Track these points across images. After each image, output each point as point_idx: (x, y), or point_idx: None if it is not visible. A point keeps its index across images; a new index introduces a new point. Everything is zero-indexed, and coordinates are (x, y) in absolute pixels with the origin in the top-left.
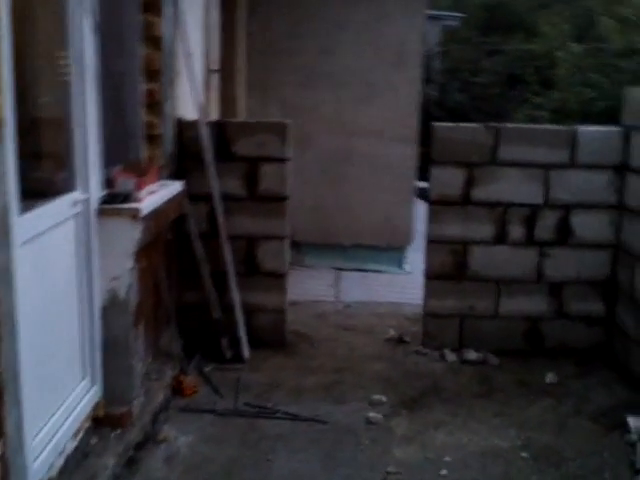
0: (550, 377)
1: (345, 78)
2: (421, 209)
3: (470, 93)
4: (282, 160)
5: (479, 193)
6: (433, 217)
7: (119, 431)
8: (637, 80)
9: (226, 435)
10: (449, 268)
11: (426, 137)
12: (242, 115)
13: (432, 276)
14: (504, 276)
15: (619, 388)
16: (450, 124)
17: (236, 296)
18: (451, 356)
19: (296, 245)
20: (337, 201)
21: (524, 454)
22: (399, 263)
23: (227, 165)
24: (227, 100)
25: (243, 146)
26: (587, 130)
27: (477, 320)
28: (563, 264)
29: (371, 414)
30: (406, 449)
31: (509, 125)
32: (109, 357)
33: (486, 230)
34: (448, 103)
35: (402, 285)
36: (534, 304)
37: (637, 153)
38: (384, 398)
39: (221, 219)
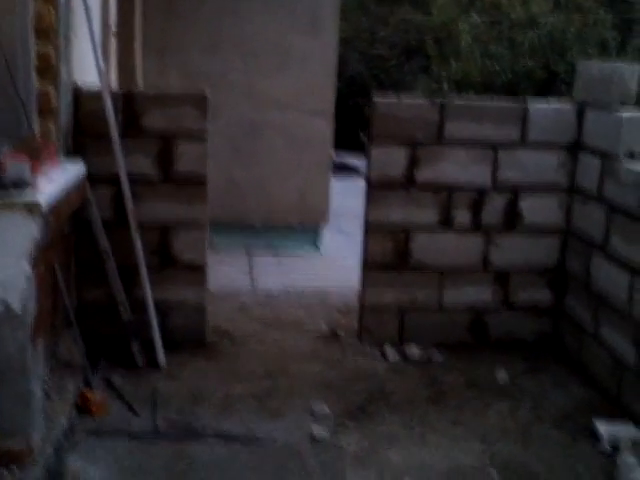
0: (501, 376)
1: (255, 44)
2: (338, 185)
3: (369, 64)
4: (201, 137)
5: (423, 174)
6: (372, 201)
7: (17, 471)
8: (534, 53)
9: (147, 464)
10: (389, 257)
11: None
12: (140, 85)
13: (370, 266)
14: (449, 265)
15: (575, 387)
16: (392, 99)
17: (148, 293)
18: (392, 353)
19: None
20: (248, 178)
21: (492, 471)
22: (314, 243)
23: (136, 142)
24: (125, 67)
25: (155, 120)
26: (539, 106)
27: (419, 313)
28: (510, 251)
29: (315, 429)
30: (361, 473)
31: (456, 101)
32: (1, 382)
33: (430, 215)
34: (347, 73)
35: (320, 268)
36: (479, 294)
37: (591, 131)
38: (327, 408)
39: (129, 205)
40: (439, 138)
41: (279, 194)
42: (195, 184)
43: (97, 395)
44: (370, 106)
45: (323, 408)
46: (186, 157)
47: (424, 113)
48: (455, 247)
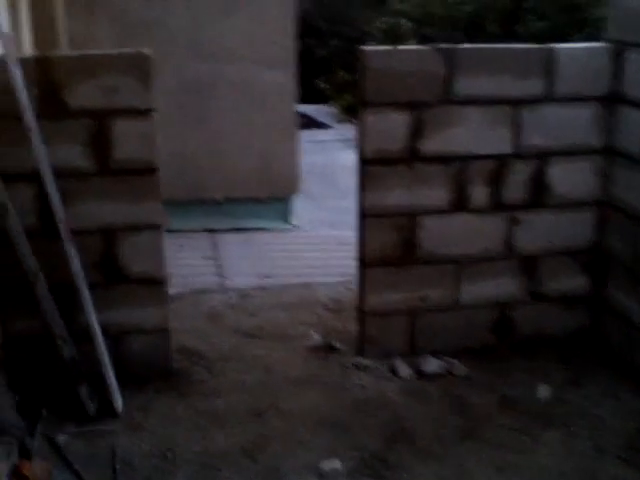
0: (542, 391)
1: None
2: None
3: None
4: (145, 111)
5: (430, 145)
6: (368, 182)
7: None
8: None
9: None
10: (393, 250)
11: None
12: (64, 45)
13: (370, 263)
14: (465, 254)
15: (629, 396)
16: (387, 48)
17: (93, 318)
18: (405, 368)
19: None
20: (201, 144)
21: None
22: (285, 216)
23: (60, 125)
24: (42, 24)
25: (83, 94)
26: (566, 49)
27: (432, 314)
28: (538, 232)
29: None
30: None
31: (466, 47)
32: None
33: (441, 194)
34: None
35: (295, 246)
36: (503, 286)
37: (632, 77)
38: (338, 463)
39: (58, 207)
40: (447, 97)
41: (240, 162)
42: (142, 174)
43: (37, 467)
44: (358, 59)
45: (334, 464)
46: (127, 140)
47: (427, 64)
48: (472, 231)
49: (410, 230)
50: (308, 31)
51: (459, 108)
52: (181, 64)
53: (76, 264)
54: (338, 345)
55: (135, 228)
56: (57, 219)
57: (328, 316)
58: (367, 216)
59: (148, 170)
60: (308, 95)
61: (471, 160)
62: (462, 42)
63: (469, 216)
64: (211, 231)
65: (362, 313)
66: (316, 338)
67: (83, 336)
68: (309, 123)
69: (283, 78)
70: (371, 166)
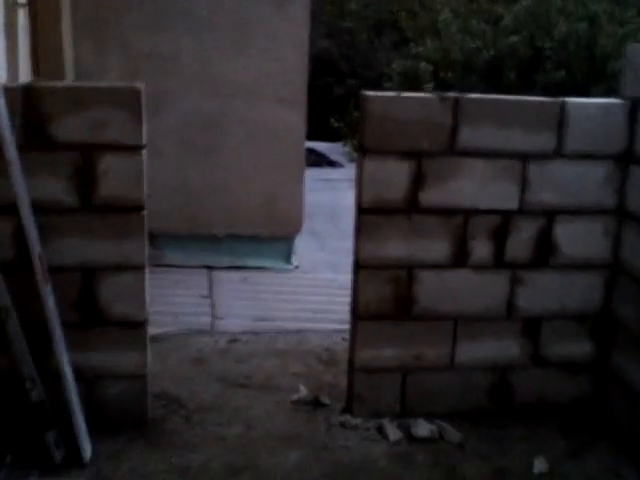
0: (539, 464)
1: (211, 18)
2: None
3: (337, 39)
4: (133, 147)
5: (431, 196)
6: (364, 231)
7: None
8: (517, 29)
9: None
10: (388, 303)
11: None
12: (71, 73)
13: (363, 315)
14: (463, 312)
15: (631, 475)
16: (391, 94)
17: (64, 360)
18: (394, 430)
19: (151, 238)
20: (205, 180)
21: None
22: (286, 256)
23: (43, 157)
24: (46, 50)
25: (69, 127)
26: (579, 103)
27: (426, 374)
28: (542, 293)
29: None
30: None
31: (474, 96)
32: None
33: (440, 248)
34: (312, 50)
35: (294, 288)
36: (503, 349)
37: None
38: None
39: (34, 242)
40: (452, 147)
41: (244, 199)
42: (127, 212)
43: None
44: (359, 103)
45: None
46: (113, 176)
47: (432, 113)
48: (472, 289)
49: (406, 284)
50: (328, 70)
51: (464, 160)
52: (189, 99)
53: (50, 302)
54: (326, 400)
55: (117, 268)
56: (32, 254)
57: (319, 368)
58: (362, 267)
59: (134, 208)
60: (322, 132)
61: (474, 214)
62: (480, 88)
63: (469, 272)
64: (209, 268)
65: (352, 368)
66: (304, 392)
67: (54, 378)
68: (320, 160)
69: (294, 116)
70: (368, 215)
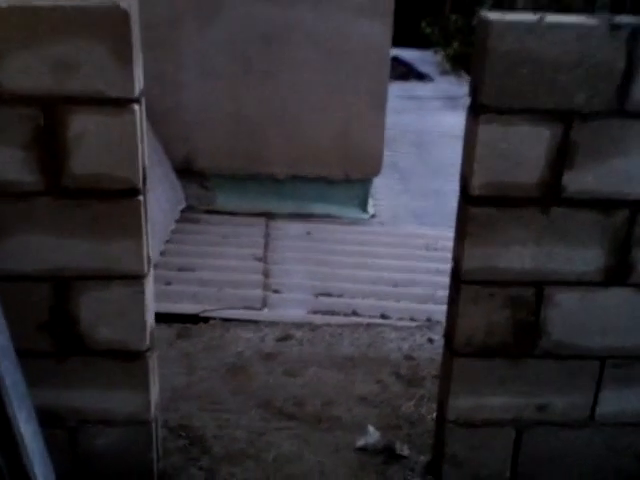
0: None
1: None
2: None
3: None
4: (122, 102)
5: (582, 179)
6: (473, 231)
7: None
8: None
9: None
10: (503, 334)
11: None
12: None
13: (464, 351)
14: (615, 348)
15: None
16: (528, 18)
17: (20, 417)
18: None
19: (200, 177)
20: (265, 107)
21: None
22: (361, 203)
23: None
24: None
25: (23, 69)
26: None
27: (552, 430)
28: None
29: None
30: None
31: None
32: None
33: (589, 257)
34: None
35: (369, 247)
36: None
37: None
38: None
39: None
40: (622, 105)
41: (312, 133)
42: (114, 198)
43: None
44: (476, 30)
45: None
46: (92, 144)
47: (594, 51)
48: (632, 316)
49: (532, 308)
50: None
51: (637, 124)
52: (247, 6)
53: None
54: (404, 451)
55: (103, 277)
56: None
57: (396, 389)
58: (466, 282)
59: (125, 192)
60: (409, 37)
61: None
62: None
63: (630, 293)
64: (268, 215)
65: (443, 420)
66: (374, 435)
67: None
68: (406, 72)
69: (376, 29)
70: (480, 207)
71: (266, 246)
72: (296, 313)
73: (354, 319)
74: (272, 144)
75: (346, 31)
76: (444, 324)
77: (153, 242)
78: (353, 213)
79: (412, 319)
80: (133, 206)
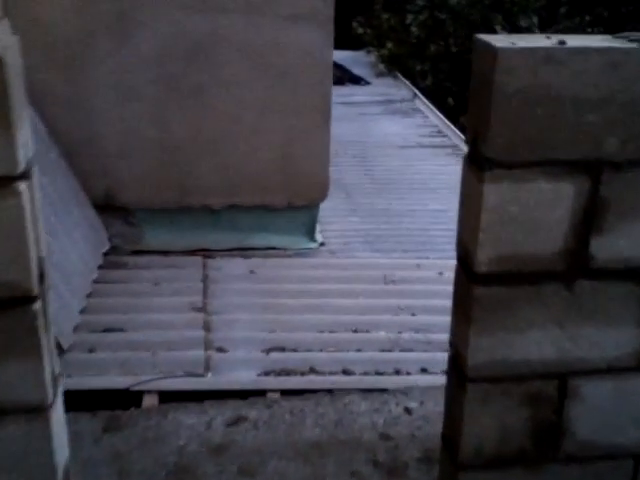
0: None
1: None
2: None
3: None
4: (4, 182)
5: (613, 245)
6: (482, 316)
7: None
8: None
9: None
10: (520, 439)
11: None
12: None
13: (472, 463)
14: None
15: None
16: (543, 42)
17: None
18: None
19: (124, 213)
20: (194, 130)
21: None
22: (308, 231)
23: None
24: None
25: None
26: None
27: None
28: None
29: None
30: None
31: None
32: None
33: (622, 339)
34: None
35: (321, 283)
36: None
37: None
38: None
39: None
40: None
41: (249, 157)
42: (2, 308)
43: None
44: (473, 61)
45: None
46: None
47: (627, 81)
48: None
49: (555, 404)
50: None
51: None
52: (169, 17)
53: None
54: None
55: None
56: None
57: None
58: (472, 381)
59: (14, 301)
60: (341, 39)
61: None
62: None
63: None
64: (205, 252)
65: None
66: None
67: None
68: (341, 77)
69: (316, 38)
70: (488, 287)
71: (205, 292)
72: (245, 377)
73: (313, 378)
74: (204, 171)
75: (282, 41)
76: (419, 387)
77: (66, 325)
78: (300, 243)
79: (377, 372)
80: (27, 318)
